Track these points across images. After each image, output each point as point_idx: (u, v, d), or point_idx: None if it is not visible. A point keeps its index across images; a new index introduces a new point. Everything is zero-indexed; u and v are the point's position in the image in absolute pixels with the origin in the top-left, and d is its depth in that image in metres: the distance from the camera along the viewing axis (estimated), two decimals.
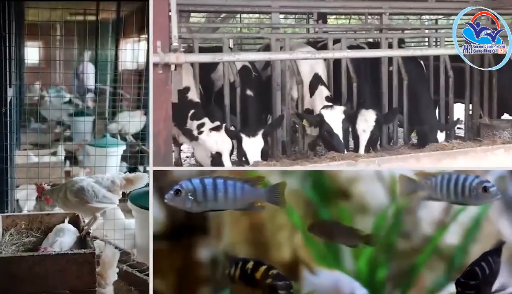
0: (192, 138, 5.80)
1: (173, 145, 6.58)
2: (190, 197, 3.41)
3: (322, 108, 6.18)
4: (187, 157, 8.32)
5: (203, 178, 3.43)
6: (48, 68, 7.47)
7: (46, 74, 7.42)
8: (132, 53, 8.17)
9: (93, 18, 8.61)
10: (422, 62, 7.22)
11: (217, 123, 5.86)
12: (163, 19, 4.37)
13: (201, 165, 6.03)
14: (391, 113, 6.61)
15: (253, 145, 5.87)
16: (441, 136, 6.48)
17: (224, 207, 3.48)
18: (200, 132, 5.78)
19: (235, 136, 5.88)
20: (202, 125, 5.84)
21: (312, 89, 6.54)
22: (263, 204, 3.52)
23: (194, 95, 6.12)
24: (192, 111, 5.99)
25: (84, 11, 8.65)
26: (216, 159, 5.73)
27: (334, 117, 6.10)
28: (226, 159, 5.74)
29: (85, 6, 8.18)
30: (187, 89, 5.97)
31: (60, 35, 7.40)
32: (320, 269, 3.77)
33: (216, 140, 5.74)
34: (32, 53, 7.42)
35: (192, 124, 5.91)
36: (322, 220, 3.88)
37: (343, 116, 6.11)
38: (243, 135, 5.87)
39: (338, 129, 6.08)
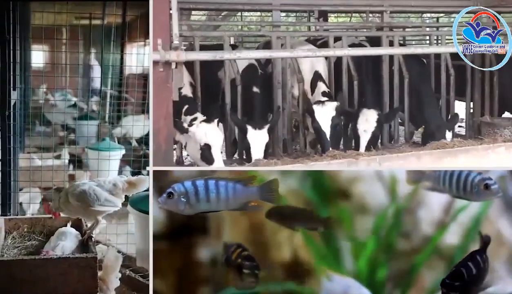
0: (183, 131, 5.77)
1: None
2: (182, 199, 3.43)
3: (314, 103, 6.17)
4: (188, 155, 8.31)
5: (195, 180, 3.45)
6: (53, 71, 7.48)
7: (51, 77, 7.43)
8: (137, 57, 8.19)
9: (98, 22, 8.63)
10: (425, 60, 7.21)
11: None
12: (164, 17, 4.38)
13: (194, 160, 6.01)
14: (391, 112, 6.60)
15: (259, 138, 5.88)
16: (448, 135, 6.48)
17: (217, 208, 3.49)
18: (191, 124, 5.76)
19: (240, 126, 5.89)
20: (195, 119, 5.83)
21: (313, 87, 6.54)
22: (257, 203, 3.53)
23: (188, 91, 6.14)
24: (186, 106, 5.99)
25: (90, 15, 8.67)
26: (205, 151, 5.65)
27: (324, 114, 6.07)
28: (216, 152, 5.66)
29: (91, 10, 8.20)
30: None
31: (66, 39, 7.41)
32: (333, 275, 3.76)
33: (205, 131, 5.65)
34: (38, 57, 7.43)
35: (186, 119, 5.91)
36: (279, 205, 3.82)
37: (333, 113, 6.07)
38: (249, 127, 5.87)
39: (326, 126, 6.06)
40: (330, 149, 5.95)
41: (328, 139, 6.04)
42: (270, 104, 6.52)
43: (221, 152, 5.89)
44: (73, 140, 8.93)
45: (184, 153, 7.68)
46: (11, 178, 5.90)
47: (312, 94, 6.53)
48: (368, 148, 6.21)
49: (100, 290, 4.47)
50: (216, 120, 5.76)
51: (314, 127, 6.16)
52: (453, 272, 3.33)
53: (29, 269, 4.29)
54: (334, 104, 6.13)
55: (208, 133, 5.65)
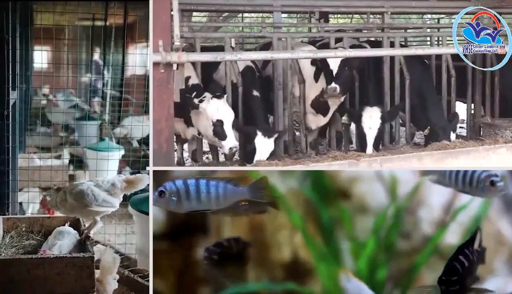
0: (193, 106, 5.80)
1: (175, 143, 6.62)
2: (173, 198, 3.48)
3: None
4: (188, 156, 8.32)
5: (186, 179, 3.49)
6: (55, 72, 7.48)
7: (53, 78, 7.44)
8: (140, 57, 8.19)
9: (101, 22, 8.64)
10: (427, 62, 7.20)
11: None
12: (165, 18, 4.38)
13: (205, 137, 6.07)
14: (394, 109, 6.60)
15: (266, 145, 5.90)
16: (452, 136, 6.49)
17: (208, 207, 3.53)
18: (201, 101, 5.78)
19: (248, 132, 5.92)
20: (204, 97, 5.84)
21: (316, 77, 6.54)
22: (247, 203, 3.56)
23: (195, 80, 6.18)
24: (194, 93, 6.00)
25: (92, 16, 8.66)
26: (218, 127, 5.72)
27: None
28: (228, 128, 5.74)
29: (93, 10, 8.19)
30: (187, 78, 6.00)
31: (68, 39, 7.41)
32: (351, 277, 3.75)
33: (217, 107, 5.73)
34: (39, 57, 7.44)
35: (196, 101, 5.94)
36: None
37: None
38: (259, 133, 5.89)
39: (334, 65, 6.09)
40: (333, 83, 6.02)
41: (333, 75, 6.08)
42: (268, 106, 6.51)
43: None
44: (76, 141, 8.94)
45: (185, 154, 7.70)
46: (9, 178, 5.90)
47: (316, 82, 6.53)
48: (376, 147, 6.20)
49: (97, 291, 4.44)
50: (225, 96, 5.82)
51: (324, 74, 6.18)
52: (448, 268, 3.40)
53: (27, 268, 4.28)
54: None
55: (220, 108, 5.73)
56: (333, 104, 6.51)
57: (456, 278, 3.34)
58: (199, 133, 6.16)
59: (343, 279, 3.74)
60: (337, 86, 6.05)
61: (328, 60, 6.11)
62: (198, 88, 6.05)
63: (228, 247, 3.85)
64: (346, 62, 6.11)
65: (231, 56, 5.53)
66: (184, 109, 5.81)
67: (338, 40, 6.86)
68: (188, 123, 6.24)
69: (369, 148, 6.18)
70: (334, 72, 6.09)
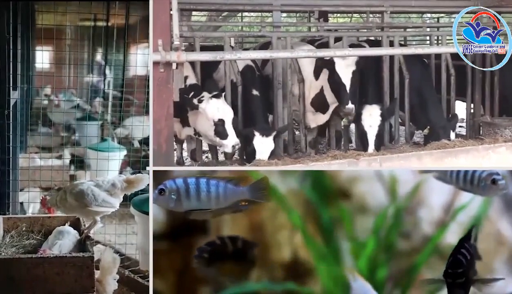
0: (193, 107, 5.79)
1: (175, 143, 6.62)
2: (173, 196, 3.47)
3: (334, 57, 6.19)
4: (187, 155, 8.32)
5: (187, 178, 3.49)
6: (57, 72, 7.48)
7: (55, 78, 7.45)
8: (141, 58, 8.21)
9: (102, 23, 8.64)
10: (427, 61, 7.21)
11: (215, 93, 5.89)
12: (165, 17, 4.39)
13: (205, 137, 6.05)
14: (392, 105, 6.60)
15: (265, 145, 5.90)
16: (452, 135, 6.49)
17: (208, 206, 3.51)
18: (200, 101, 5.78)
19: (246, 134, 5.92)
20: (202, 97, 5.85)
21: (317, 73, 6.54)
22: (247, 203, 3.55)
23: (192, 80, 6.18)
24: (192, 92, 6.01)
25: (94, 16, 8.65)
26: (219, 127, 5.73)
27: (345, 66, 6.10)
28: (229, 127, 5.75)
29: (95, 11, 8.19)
30: (185, 78, 6.00)
31: (69, 39, 7.41)
32: (357, 276, 3.75)
33: (217, 107, 5.74)
34: (41, 57, 7.45)
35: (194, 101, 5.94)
36: None
37: (354, 67, 6.10)
38: (256, 133, 5.89)
39: (347, 79, 6.09)
40: (350, 102, 6.02)
41: (348, 91, 6.07)
42: (269, 106, 6.52)
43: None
44: (77, 141, 8.95)
45: (184, 154, 7.70)
46: (10, 177, 5.90)
47: (317, 79, 6.52)
48: (377, 146, 6.20)
49: (97, 291, 4.43)
50: (223, 95, 5.82)
51: (332, 81, 6.17)
52: (453, 261, 3.44)
53: (26, 267, 4.28)
54: (355, 58, 6.13)
55: (220, 108, 5.74)
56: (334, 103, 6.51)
57: (461, 270, 3.38)
58: (196, 133, 6.15)
59: (349, 278, 3.74)
60: (354, 107, 6.06)
61: (340, 73, 6.11)
62: (196, 88, 6.06)
63: (221, 245, 3.85)
64: (356, 74, 6.12)
65: (230, 55, 5.53)
66: (182, 109, 5.81)
67: (338, 39, 6.86)
68: (184, 123, 6.23)
69: (371, 147, 6.19)
70: (347, 87, 6.10)
